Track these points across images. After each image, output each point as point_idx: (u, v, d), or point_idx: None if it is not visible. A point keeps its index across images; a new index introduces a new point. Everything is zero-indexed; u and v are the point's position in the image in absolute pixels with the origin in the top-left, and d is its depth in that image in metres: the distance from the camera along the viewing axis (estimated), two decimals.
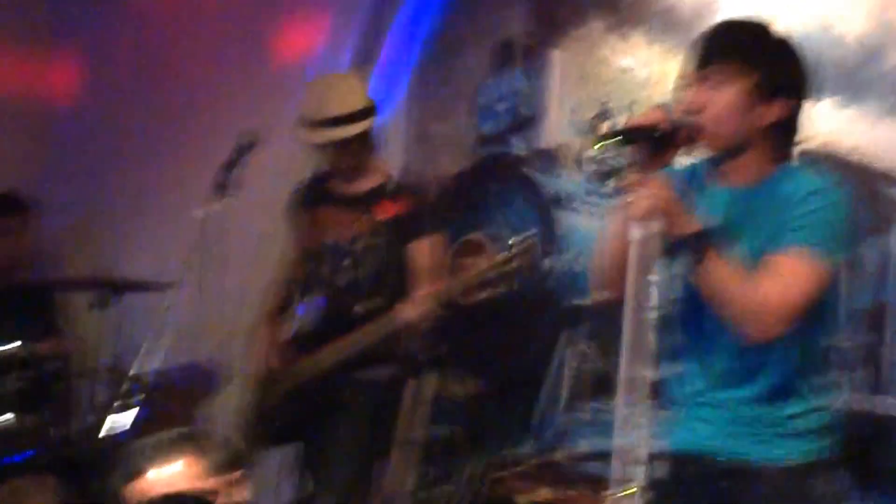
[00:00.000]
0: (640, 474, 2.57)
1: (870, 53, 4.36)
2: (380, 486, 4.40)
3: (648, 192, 2.65)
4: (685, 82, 2.82)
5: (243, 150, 4.45)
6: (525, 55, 5.91)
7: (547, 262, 5.53)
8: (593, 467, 4.94)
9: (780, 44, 2.85)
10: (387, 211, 4.48)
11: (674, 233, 2.68)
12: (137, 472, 2.52)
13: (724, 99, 2.78)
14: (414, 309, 4.24)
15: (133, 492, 2.58)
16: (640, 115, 2.76)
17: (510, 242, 4.27)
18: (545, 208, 5.67)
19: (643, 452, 2.59)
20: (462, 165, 5.95)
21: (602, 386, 5.41)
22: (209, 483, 2.64)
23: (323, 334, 4.44)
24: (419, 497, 4.75)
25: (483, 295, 4.47)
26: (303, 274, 4.62)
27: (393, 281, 4.41)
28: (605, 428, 5.09)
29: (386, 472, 4.37)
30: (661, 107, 2.80)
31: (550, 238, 5.58)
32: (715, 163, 2.86)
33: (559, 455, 5.18)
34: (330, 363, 4.37)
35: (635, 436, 2.61)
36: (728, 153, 2.83)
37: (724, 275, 2.72)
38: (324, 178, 4.60)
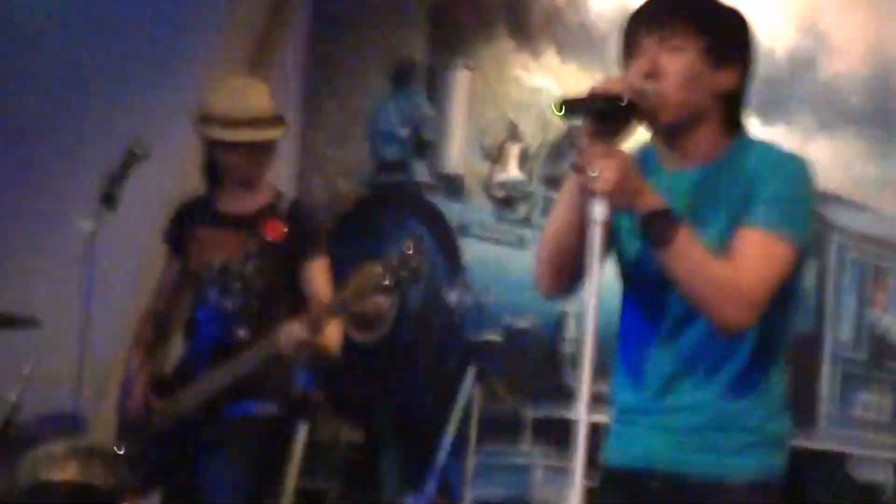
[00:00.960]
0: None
1: (801, 66, 4.53)
2: None
3: (615, 164, 2.51)
4: (636, 50, 2.73)
5: (132, 160, 4.48)
6: (427, 76, 6.05)
7: (452, 295, 5.54)
8: None
9: (728, 10, 2.81)
10: (277, 232, 4.37)
11: (639, 210, 2.57)
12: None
13: (684, 63, 2.67)
14: (301, 330, 4.10)
15: None
16: (602, 82, 2.63)
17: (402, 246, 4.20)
18: (449, 238, 5.72)
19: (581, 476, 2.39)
20: (358, 193, 6.00)
21: (513, 426, 5.45)
22: None
23: (202, 364, 4.32)
24: None
25: (374, 301, 4.43)
26: (185, 300, 4.54)
27: (277, 306, 4.31)
28: (516, 472, 5.37)
29: None
30: (622, 76, 2.70)
31: (455, 269, 5.61)
32: (668, 142, 2.77)
33: (461, 501, 5.11)
34: (209, 393, 4.22)
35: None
36: (683, 126, 2.72)
37: (696, 255, 2.60)
38: (206, 197, 4.54)
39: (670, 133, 2.73)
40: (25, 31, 6.86)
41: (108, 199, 4.52)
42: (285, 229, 4.37)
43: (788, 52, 4.46)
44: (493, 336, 5.59)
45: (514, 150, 5.75)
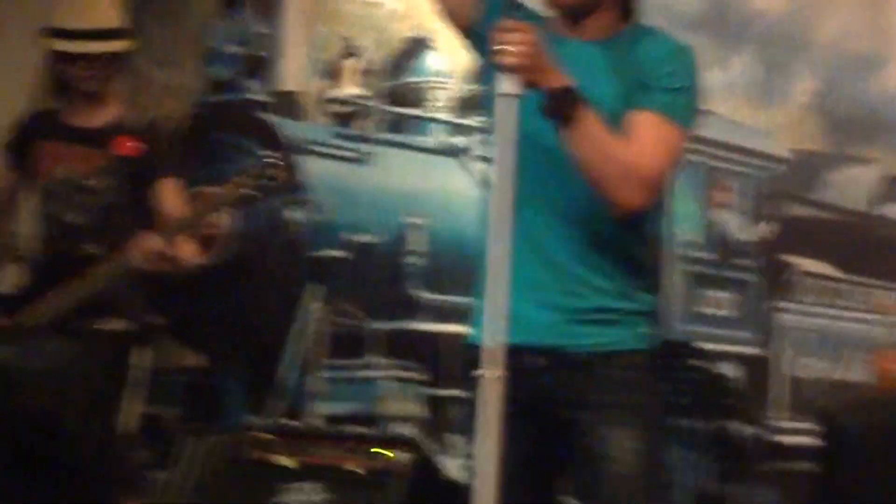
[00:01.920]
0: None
1: None
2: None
3: (521, 37, 2.57)
4: None
5: None
6: None
7: (290, 215, 5.58)
8: (345, 429, 5.01)
9: None
10: (125, 148, 4.35)
11: (542, 85, 2.63)
12: None
13: None
14: (155, 241, 4.15)
15: None
16: None
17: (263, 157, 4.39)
18: (285, 155, 5.38)
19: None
20: (191, 113, 5.91)
21: (358, 341, 5.53)
22: None
23: (50, 279, 4.32)
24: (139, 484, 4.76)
25: (213, 221, 4.57)
26: (24, 212, 4.53)
27: (127, 222, 4.29)
28: (363, 386, 5.48)
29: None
30: None
31: (292, 188, 5.50)
32: (567, 23, 2.86)
33: (311, 419, 5.23)
34: (56, 310, 4.22)
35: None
36: (581, 10, 2.82)
37: (599, 135, 2.68)
38: (53, 110, 4.49)
39: (571, 14, 2.79)
40: None
41: None
42: (140, 146, 4.35)
43: None
44: (337, 253, 5.58)
45: (349, 66, 5.80)
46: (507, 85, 2.55)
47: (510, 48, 2.55)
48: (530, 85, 2.60)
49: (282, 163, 4.25)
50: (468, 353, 2.77)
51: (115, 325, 4.25)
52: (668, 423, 4.72)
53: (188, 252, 4.29)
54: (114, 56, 4.35)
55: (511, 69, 2.56)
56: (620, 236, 2.86)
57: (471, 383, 2.62)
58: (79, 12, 4.42)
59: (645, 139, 2.72)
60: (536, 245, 2.84)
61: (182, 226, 4.26)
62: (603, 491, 2.82)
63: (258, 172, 4.16)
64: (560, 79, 2.64)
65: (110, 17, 4.43)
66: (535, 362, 2.81)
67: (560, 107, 2.65)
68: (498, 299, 2.63)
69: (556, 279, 2.84)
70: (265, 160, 4.26)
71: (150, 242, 4.10)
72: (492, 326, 2.60)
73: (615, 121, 2.74)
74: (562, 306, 2.82)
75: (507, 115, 2.55)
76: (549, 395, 2.85)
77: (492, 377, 2.54)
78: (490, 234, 2.65)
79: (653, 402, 2.90)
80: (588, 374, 2.82)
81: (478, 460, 2.58)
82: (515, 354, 2.65)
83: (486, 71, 2.83)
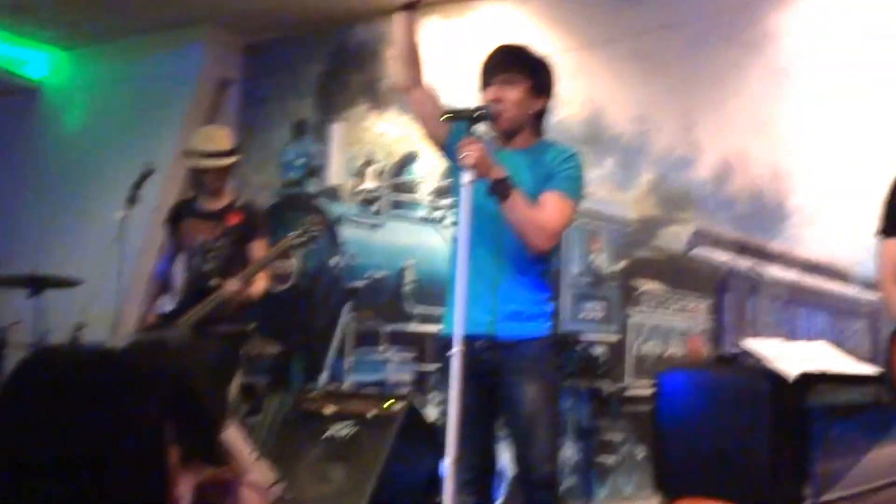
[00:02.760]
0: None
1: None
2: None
3: (475, 147, 3.00)
4: (489, 82, 3.31)
5: (146, 175, 5.14)
6: (316, 128, 7.00)
7: (333, 261, 6.48)
8: (367, 391, 5.70)
9: (541, 61, 3.39)
10: (234, 220, 5.02)
11: (489, 176, 3.07)
12: None
13: (516, 94, 3.26)
14: (234, 284, 4.77)
15: None
16: (468, 103, 3.21)
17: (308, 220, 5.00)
18: (330, 226, 6.42)
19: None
20: (271, 201, 6.86)
21: (375, 337, 6.30)
22: None
23: (190, 303, 4.93)
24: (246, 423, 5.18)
25: (283, 264, 5.06)
26: (181, 265, 5.16)
27: (236, 267, 4.94)
28: (375, 365, 6.20)
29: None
30: (479, 100, 3.26)
31: (334, 244, 6.38)
32: (502, 137, 3.35)
33: (345, 385, 5.84)
34: (197, 318, 4.83)
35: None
36: (512, 131, 3.32)
37: (522, 205, 3.12)
38: (192, 198, 5.22)
39: (505, 133, 3.33)
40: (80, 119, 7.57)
41: (132, 199, 5.12)
42: (240, 219, 4.99)
43: None
44: (360, 283, 6.39)
45: (370, 170, 6.58)
46: (467, 176, 3.00)
47: (469, 154, 2.99)
48: (481, 176, 3.04)
49: (320, 223, 4.96)
50: (442, 342, 3.16)
51: (226, 328, 4.91)
52: (561, 382, 5.17)
53: (258, 289, 4.87)
54: (229, 166, 5.07)
55: (470, 166, 2.99)
56: (534, 267, 3.27)
57: (446, 359, 2.98)
58: (207, 140, 5.03)
59: (550, 208, 3.14)
60: (483, 272, 3.24)
61: (256, 268, 4.81)
62: (520, 424, 3.24)
63: (305, 229, 4.88)
64: (500, 172, 3.10)
65: (226, 141, 5.06)
66: (479, 346, 3.19)
67: (500, 189, 3.09)
68: (459, 308, 2.98)
69: (494, 293, 3.24)
70: (310, 222, 4.97)
71: (231, 286, 4.71)
72: (455, 324, 2.99)
73: (533, 197, 3.19)
74: (497, 310, 3.24)
75: (467, 196, 2.98)
76: (488, 366, 3.22)
77: (456, 353, 2.93)
78: (457, 266, 3.02)
79: (552, 369, 3.29)
80: (511, 352, 3.21)
81: (449, 403, 2.93)
82: (469, 341, 3.00)
83: (454, 169, 3.22)
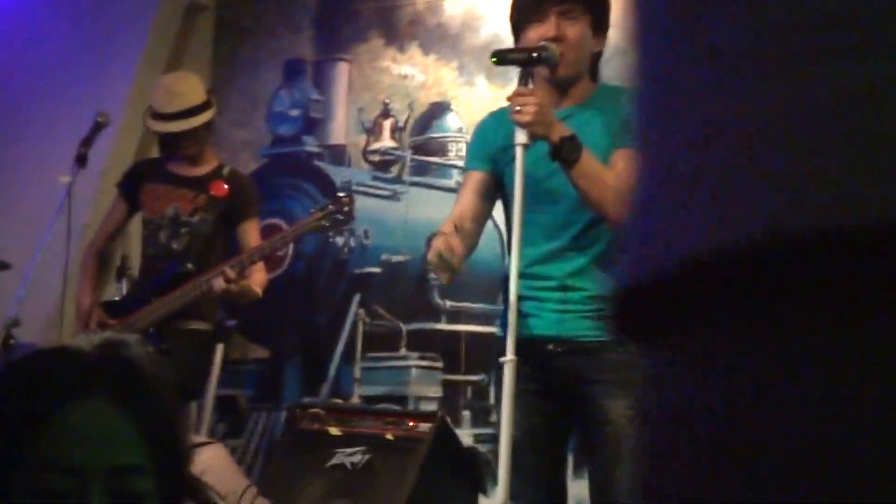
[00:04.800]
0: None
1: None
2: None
3: (532, 100, 2.91)
4: (540, 17, 3.13)
5: (99, 127, 4.84)
6: (314, 69, 6.59)
7: (338, 239, 6.06)
8: (384, 407, 5.43)
9: None
10: (219, 191, 4.82)
11: (552, 137, 2.96)
12: None
13: (580, 30, 3.12)
14: (230, 272, 4.54)
15: None
16: (522, 43, 3.12)
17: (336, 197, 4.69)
18: (349, 194, 5.49)
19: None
20: (260, 163, 6.44)
21: (393, 338, 6.00)
22: None
23: (151, 291, 4.77)
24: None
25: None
26: (134, 240, 4.96)
27: (216, 253, 4.79)
28: (392, 374, 6.00)
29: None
30: (539, 43, 3.09)
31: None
32: (557, 88, 3.21)
33: (354, 399, 5.74)
34: (162, 313, 4.67)
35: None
36: (570, 80, 3.20)
37: (596, 170, 3.01)
38: (160, 158, 5.02)
39: (562, 82, 3.16)
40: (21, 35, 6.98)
41: (81, 159, 4.84)
42: (227, 191, 4.79)
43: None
44: (374, 270, 6.11)
45: (386, 124, 6.27)
46: (521, 136, 2.93)
47: (524, 108, 2.89)
48: (540, 136, 2.94)
49: (347, 201, 4.61)
50: (496, 345, 3.11)
51: (199, 325, 4.73)
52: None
53: (257, 282, 4.69)
54: (202, 126, 4.78)
55: (525, 125, 2.90)
56: (605, 253, 3.14)
57: (498, 367, 2.95)
58: (171, 98, 4.76)
59: (628, 168, 3.12)
60: (547, 256, 3.17)
61: (258, 256, 4.61)
62: (604, 451, 3.07)
63: (333, 209, 4.54)
64: (564, 130, 2.97)
65: (196, 94, 4.80)
66: (552, 350, 3.11)
67: (566, 151, 2.96)
68: (512, 304, 2.96)
69: (562, 282, 3.16)
70: (337, 198, 4.61)
71: (222, 277, 4.48)
72: (509, 324, 2.96)
73: (606, 159, 3.07)
74: (569, 302, 3.15)
75: (520, 161, 2.94)
76: (563, 376, 3.10)
77: (509, 362, 2.88)
78: (511, 259, 3.00)
79: (638, 379, 3.31)
80: (595, 357, 3.07)
81: (502, 424, 2.88)
82: (537, 343, 3.02)
83: (500, 133, 3.17)
